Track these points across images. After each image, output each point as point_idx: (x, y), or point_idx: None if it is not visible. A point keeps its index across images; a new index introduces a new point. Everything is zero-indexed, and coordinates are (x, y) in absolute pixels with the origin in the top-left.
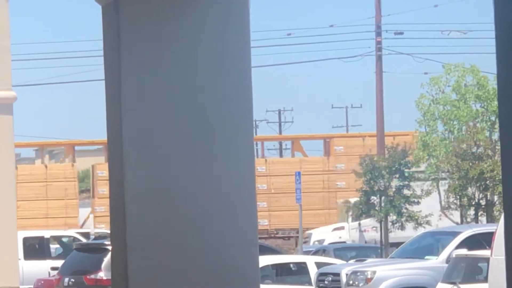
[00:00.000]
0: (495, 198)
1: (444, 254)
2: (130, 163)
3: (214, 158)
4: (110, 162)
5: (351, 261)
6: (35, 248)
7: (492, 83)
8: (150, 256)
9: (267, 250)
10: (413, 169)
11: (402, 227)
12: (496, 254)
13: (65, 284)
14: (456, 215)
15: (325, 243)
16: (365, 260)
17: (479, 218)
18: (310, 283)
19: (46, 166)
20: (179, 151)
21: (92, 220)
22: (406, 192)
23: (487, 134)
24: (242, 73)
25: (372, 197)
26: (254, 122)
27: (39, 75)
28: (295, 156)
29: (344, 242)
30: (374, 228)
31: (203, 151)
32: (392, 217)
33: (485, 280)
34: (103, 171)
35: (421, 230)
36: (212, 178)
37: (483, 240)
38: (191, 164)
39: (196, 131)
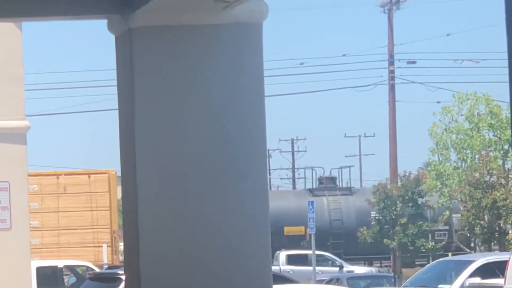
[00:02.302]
0: (508, 226)
1: (458, 283)
2: (144, 193)
3: (228, 189)
4: (124, 192)
5: None
6: (49, 278)
7: (505, 112)
8: (163, 285)
9: (281, 279)
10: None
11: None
12: (509, 282)
13: None
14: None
15: None
16: None
17: (492, 246)
18: None
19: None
20: (193, 181)
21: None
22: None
23: (500, 162)
24: (255, 103)
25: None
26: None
27: (53, 105)
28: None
29: None
30: None
31: (217, 181)
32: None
33: None
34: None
35: None
36: (227, 210)
37: (497, 269)
38: (205, 196)
39: (210, 161)
